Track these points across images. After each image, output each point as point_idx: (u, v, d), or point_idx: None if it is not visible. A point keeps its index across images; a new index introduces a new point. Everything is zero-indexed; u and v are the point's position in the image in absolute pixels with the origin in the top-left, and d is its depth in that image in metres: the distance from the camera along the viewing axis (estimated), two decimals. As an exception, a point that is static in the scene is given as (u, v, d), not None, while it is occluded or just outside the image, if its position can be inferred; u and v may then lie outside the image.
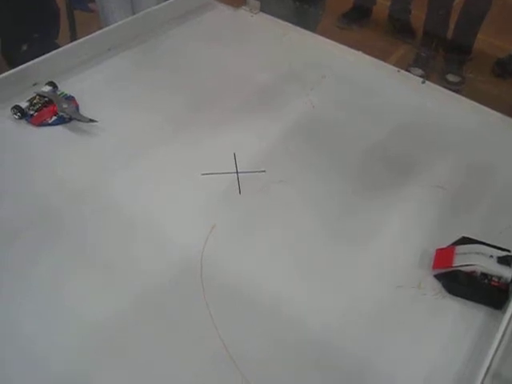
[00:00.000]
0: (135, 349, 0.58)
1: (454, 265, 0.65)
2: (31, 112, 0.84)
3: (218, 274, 0.66)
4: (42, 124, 0.84)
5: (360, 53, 1.05)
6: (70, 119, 0.84)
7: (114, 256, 0.67)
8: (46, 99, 0.86)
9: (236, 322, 0.62)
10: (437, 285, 0.67)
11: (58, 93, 0.88)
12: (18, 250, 0.67)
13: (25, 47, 1.90)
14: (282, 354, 0.59)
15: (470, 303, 0.65)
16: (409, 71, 1.08)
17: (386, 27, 2.42)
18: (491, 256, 0.65)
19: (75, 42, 0.97)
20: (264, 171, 0.79)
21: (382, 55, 1.07)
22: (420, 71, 2.07)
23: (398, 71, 1.02)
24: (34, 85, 0.90)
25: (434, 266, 0.67)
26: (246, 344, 0.60)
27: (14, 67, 0.89)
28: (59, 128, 0.84)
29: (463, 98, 0.97)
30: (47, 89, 0.87)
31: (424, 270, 0.68)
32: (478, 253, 0.65)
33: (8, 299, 0.62)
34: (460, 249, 0.67)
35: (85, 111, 0.86)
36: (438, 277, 0.67)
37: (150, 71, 0.97)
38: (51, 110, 0.85)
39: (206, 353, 0.59)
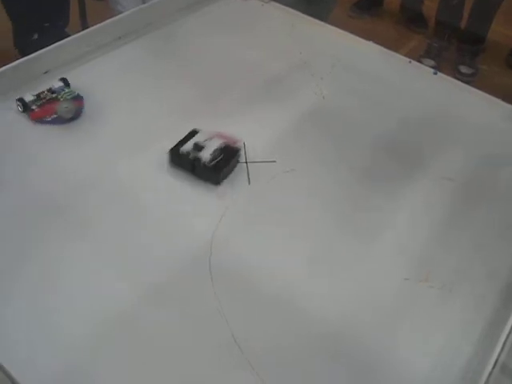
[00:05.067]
0: (142, 337, 0.59)
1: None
2: (33, 107, 0.83)
3: (227, 264, 0.66)
4: (40, 121, 0.82)
5: (371, 43, 1.05)
6: (71, 119, 0.83)
7: (119, 243, 0.68)
8: (54, 95, 0.85)
9: (245, 312, 0.62)
10: (444, 277, 0.66)
11: (67, 91, 0.86)
12: (30, 237, 0.67)
13: (36, 36, 1.90)
14: (290, 344, 0.60)
15: (477, 295, 0.65)
16: (420, 62, 1.07)
17: (398, 17, 2.40)
18: None
19: (86, 31, 0.97)
20: (274, 161, 0.79)
21: (394, 45, 1.06)
22: (432, 62, 2.06)
23: (410, 62, 1.01)
24: (45, 73, 0.90)
25: None
26: (255, 334, 0.60)
27: (25, 56, 0.89)
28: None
29: (475, 90, 0.96)
30: (58, 84, 0.86)
31: (431, 263, 0.68)
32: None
33: (29, 285, 0.62)
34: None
35: (94, 100, 0.86)
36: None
37: (159, 60, 0.97)
38: (52, 108, 0.83)
39: (214, 342, 0.59)
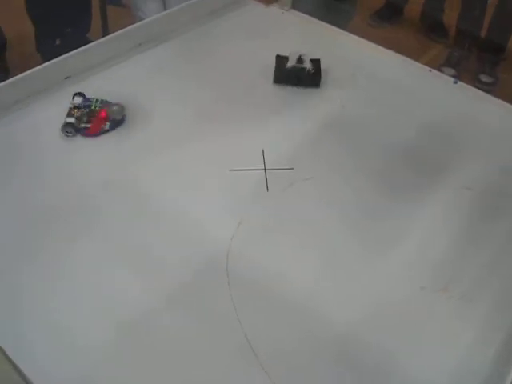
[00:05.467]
0: (157, 341, 0.59)
1: None
2: (82, 125, 0.82)
3: (243, 270, 0.66)
4: (101, 132, 0.82)
5: (391, 51, 1.04)
6: (123, 121, 0.84)
7: (135, 251, 0.68)
8: (87, 110, 0.84)
9: (260, 318, 0.62)
10: (463, 288, 0.66)
11: (94, 100, 0.86)
12: (57, 235, 0.68)
13: (58, 41, 1.93)
14: (305, 350, 0.59)
15: (497, 306, 0.64)
16: (441, 71, 1.07)
17: (419, 26, 2.39)
18: None
19: (107, 37, 0.98)
20: (292, 169, 0.79)
21: (414, 54, 1.06)
22: (452, 71, 2.05)
23: (430, 71, 1.01)
24: (66, 78, 0.91)
25: None
26: (270, 339, 0.60)
27: (47, 61, 0.90)
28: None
29: (495, 99, 0.95)
30: (79, 100, 0.85)
31: (450, 273, 0.67)
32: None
33: (43, 285, 0.63)
34: None
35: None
36: None
37: (180, 66, 0.98)
38: (102, 116, 0.83)
39: (229, 347, 0.59)
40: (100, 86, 0.90)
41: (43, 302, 0.62)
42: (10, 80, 0.86)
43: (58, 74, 0.91)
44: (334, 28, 1.10)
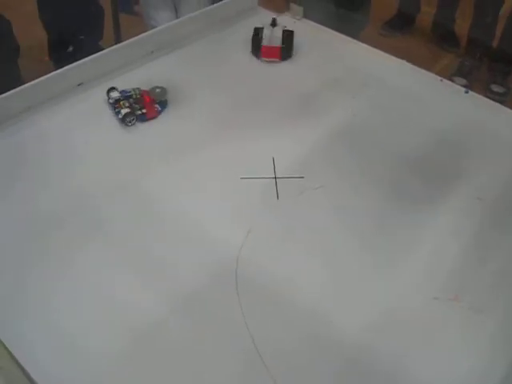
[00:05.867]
0: (166, 346, 0.59)
1: None
2: (138, 112, 0.86)
3: (252, 278, 0.66)
4: (158, 113, 0.87)
5: (403, 61, 1.04)
6: (166, 102, 0.89)
7: (144, 257, 0.68)
8: (131, 100, 0.87)
9: (270, 328, 0.62)
10: (475, 298, 0.66)
11: (130, 90, 0.89)
12: (61, 239, 0.69)
13: (71, 48, 1.94)
14: (312, 356, 0.59)
15: (509, 315, 0.64)
16: (452, 80, 1.06)
17: (430, 35, 2.39)
18: None
19: (119, 44, 0.98)
20: (302, 177, 0.79)
21: (426, 64, 1.06)
22: (463, 81, 2.04)
23: (441, 80, 1.00)
24: (79, 85, 0.92)
25: None
26: (278, 347, 0.60)
27: (59, 67, 0.90)
28: (106, 124, 0.86)
29: (507, 109, 0.95)
30: (116, 94, 0.88)
31: (461, 282, 0.67)
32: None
33: (49, 290, 0.63)
34: None
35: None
36: None
37: (192, 73, 0.98)
38: (148, 100, 0.87)
39: (239, 355, 0.59)
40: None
41: (46, 304, 0.62)
42: (23, 86, 0.86)
43: (71, 80, 0.91)
44: (345, 37, 1.11)
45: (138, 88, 0.89)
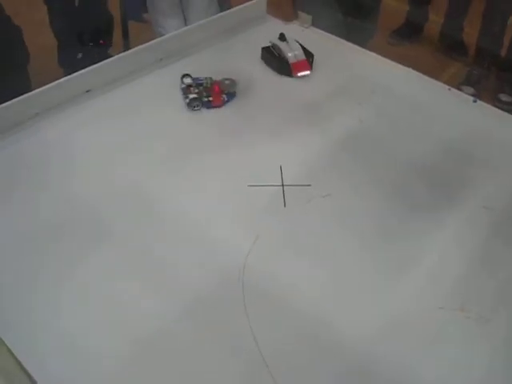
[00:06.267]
0: (172, 356, 0.59)
1: None
2: (205, 99, 0.91)
3: (259, 286, 0.66)
4: (224, 103, 0.92)
5: (410, 69, 1.04)
6: (235, 94, 0.93)
7: (153, 265, 0.68)
8: (201, 87, 0.93)
9: (276, 335, 0.61)
10: (480, 308, 0.65)
11: (203, 79, 0.94)
12: (63, 248, 0.69)
13: (80, 55, 1.95)
14: (317, 363, 0.59)
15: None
16: (460, 89, 1.06)
17: (438, 44, 2.39)
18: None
19: (128, 52, 0.99)
20: (309, 185, 0.79)
21: (433, 73, 1.06)
22: (472, 90, 2.04)
23: (449, 89, 1.00)
24: (87, 91, 0.92)
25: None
26: (285, 356, 0.60)
27: (68, 74, 0.91)
28: (111, 131, 0.86)
29: (515, 118, 0.95)
30: (188, 80, 0.93)
31: (467, 293, 0.67)
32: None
33: (52, 298, 0.63)
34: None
35: (137, 117, 0.89)
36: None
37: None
38: (216, 90, 0.92)
39: (244, 364, 0.59)
40: (120, 100, 0.91)
41: (49, 306, 0.62)
42: (32, 93, 0.87)
43: (79, 87, 0.92)
44: (353, 45, 1.11)
45: (210, 77, 0.95)
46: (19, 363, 0.56)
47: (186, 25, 1.73)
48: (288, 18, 1.17)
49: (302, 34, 1.12)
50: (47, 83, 0.88)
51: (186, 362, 0.58)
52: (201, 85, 0.93)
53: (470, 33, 2.26)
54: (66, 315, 0.62)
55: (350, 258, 0.70)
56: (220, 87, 0.92)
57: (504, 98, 2.11)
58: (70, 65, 1.89)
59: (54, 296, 0.64)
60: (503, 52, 2.15)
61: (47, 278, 0.65)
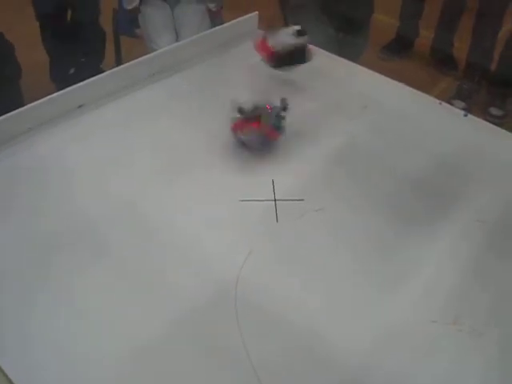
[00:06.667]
0: (163, 373, 0.59)
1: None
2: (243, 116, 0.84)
3: (252, 300, 0.66)
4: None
5: (402, 84, 1.05)
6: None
7: (146, 278, 0.68)
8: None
9: (268, 348, 0.61)
10: (473, 321, 0.65)
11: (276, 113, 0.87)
12: (60, 263, 0.69)
13: (72, 71, 1.95)
14: (313, 380, 0.59)
15: (508, 339, 0.64)
16: (451, 104, 1.07)
17: (429, 59, 2.41)
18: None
19: (120, 67, 0.99)
20: (302, 200, 0.79)
21: (424, 87, 1.06)
22: (462, 104, 2.05)
23: (440, 103, 1.01)
24: (80, 106, 0.92)
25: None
26: (277, 369, 0.59)
27: (61, 89, 0.91)
28: (104, 146, 0.86)
29: (506, 132, 0.95)
30: (277, 109, 0.87)
31: (460, 307, 0.67)
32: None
33: (47, 312, 0.63)
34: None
35: (129, 131, 0.89)
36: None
37: (193, 95, 0.99)
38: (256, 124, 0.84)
39: (236, 377, 0.59)
40: (113, 116, 0.91)
41: (51, 329, 0.62)
42: (24, 108, 0.87)
43: (72, 102, 0.92)
44: (344, 61, 1.11)
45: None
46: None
47: (177, 40, 1.74)
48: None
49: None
50: (39, 98, 0.88)
51: (177, 375, 0.58)
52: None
53: (461, 48, 2.27)
54: (62, 328, 0.62)
55: (342, 271, 0.70)
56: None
57: (494, 111, 2.12)
58: (62, 80, 1.89)
59: (50, 309, 0.63)
60: (493, 66, 2.17)
61: (43, 296, 0.65)
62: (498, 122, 2.00)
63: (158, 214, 0.76)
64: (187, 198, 0.78)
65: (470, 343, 0.63)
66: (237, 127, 0.85)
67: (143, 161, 0.84)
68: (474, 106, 2.12)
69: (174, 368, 0.59)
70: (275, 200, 0.79)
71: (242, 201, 0.78)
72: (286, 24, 1.14)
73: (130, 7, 1.78)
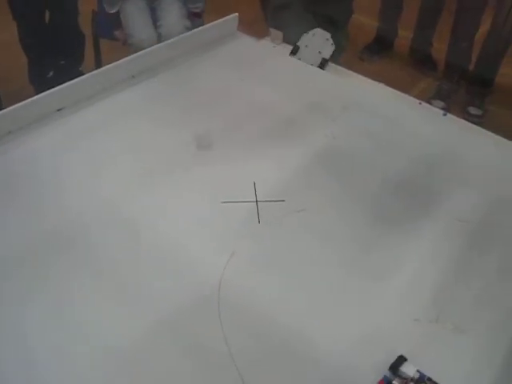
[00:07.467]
0: (147, 375, 0.58)
1: None
2: None
3: (235, 301, 0.66)
4: None
5: (382, 85, 1.05)
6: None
7: (131, 280, 0.68)
8: None
9: (251, 350, 0.61)
10: (456, 319, 0.66)
11: None
12: (48, 265, 0.68)
13: (51, 73, 1.93)
14: (296, 381, 0.59)
15: (491, 337, 0.64)
16: (430, 103, 1.08)
17: (408, 59, 2.42)
18: None
19: (100, 69, 0.99)
20: (283, 201, 0.79)
21: (404, 87, 1.07)
22: (441, 103, 2.07)
23: (420, 103, 1.02)
24: (59, 110, 0.92)
25: None
26: (260, 369, 0.60)
27: (39, 92, 0.90)
28: (84, 149, 0.85)
29: (484, 131, 0.96)
30: None
31: (441, 304, 0.67)
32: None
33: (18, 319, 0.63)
34: None
35: (110, 135, 0.88)
36: None
37: (173, 97, 0.99)
38: None
39: (219, 379, 0.59)
40: (93, 119, 0.90)
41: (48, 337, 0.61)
42: (3, 111, 0.86)
43: (51, 105, 0.91)
44: (325, 61, 1.12)
45: None
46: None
47: (160, 41, 1.72)
48: (259, 35, 1.17)
49: (273, 51, 1.12)
50: (18, 102, 0.87)
51: (161, 375, 0.58)
52: None
53: (440, 48, 2.29)
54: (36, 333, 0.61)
55: (325, 271, 0.70)
56: None
57: (473, 111, 2.14)
58: (41, 83, 1.88)
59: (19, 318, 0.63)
60: (471, 66, 2.19)
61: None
62: (477, 121, 2.01)
63: (141, 217, 0.76)
64: (169, 201, 0.78)
65: (452, 341, 0.64)
66: None
67: (124, 164, 0.84)
68: (453, 105, 2.14)
69: (158, 368, 0.59)
70: (257, 201, 0.79)
71: (224, 202, 0.78)
72: (266, 26, 1.15)
73: (112, 11, 1.76)
